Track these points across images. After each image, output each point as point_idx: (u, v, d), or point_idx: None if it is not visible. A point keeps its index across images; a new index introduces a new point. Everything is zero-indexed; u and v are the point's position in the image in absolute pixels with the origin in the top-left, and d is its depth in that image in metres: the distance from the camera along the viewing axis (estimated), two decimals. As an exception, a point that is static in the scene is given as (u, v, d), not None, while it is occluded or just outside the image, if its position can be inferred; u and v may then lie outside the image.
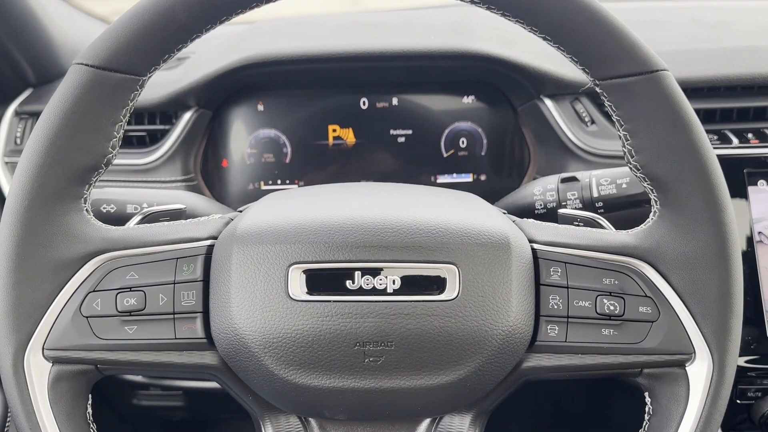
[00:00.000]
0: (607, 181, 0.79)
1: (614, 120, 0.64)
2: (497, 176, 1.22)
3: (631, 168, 0.65)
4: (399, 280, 0.61)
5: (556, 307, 0.64)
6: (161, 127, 1.14)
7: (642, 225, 0.66)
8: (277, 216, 0.65)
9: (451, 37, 1.12)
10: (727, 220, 0.62)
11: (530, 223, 0.69)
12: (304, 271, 0.61)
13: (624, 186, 0.78)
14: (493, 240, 0.63)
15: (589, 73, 0.63)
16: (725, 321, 0.62)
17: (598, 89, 0.64)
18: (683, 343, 0.63)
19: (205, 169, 1.19)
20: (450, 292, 0.61)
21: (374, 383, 0.60)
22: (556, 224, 0.69)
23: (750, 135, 1.04)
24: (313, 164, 1.21)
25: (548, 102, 1.07)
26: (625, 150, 0.64)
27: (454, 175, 1.22)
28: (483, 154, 1.21)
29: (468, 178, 1.22)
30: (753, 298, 0.95)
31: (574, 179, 0.81)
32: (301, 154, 1.20)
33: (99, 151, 0.63)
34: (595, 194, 0.80)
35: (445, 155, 1.21)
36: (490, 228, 0.64)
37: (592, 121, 1.06)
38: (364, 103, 1.19)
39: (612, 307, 0.63)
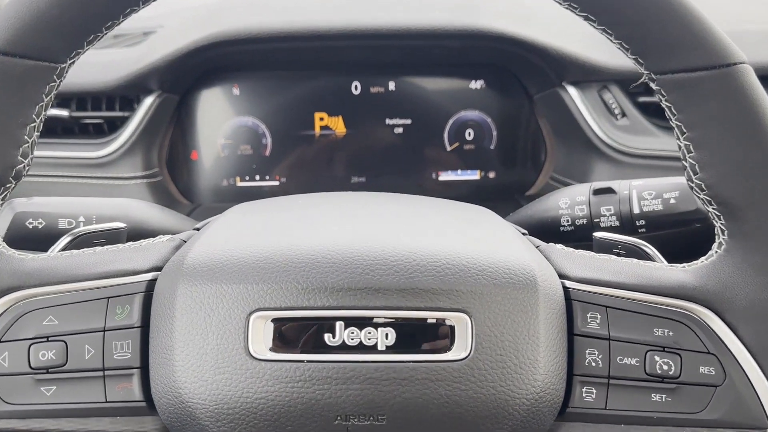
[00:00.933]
0: (652, 194, 0.66)
1: (674, 125, 0.51)
2: (508, 174, 1.09)
3: (693, 187, 0.52)
4: (393, 333, 0.48)
5: (594, 364, 0.51)
6: (120, 113, 1.00)
7: (703, 259, 0.53)
8: (238, 243, 0.52)
9: (458, 12, 0.98)
10: None
11: (559, 251, 0.57)
12: (271, 321, 0.48)
13: (673, 201, 0.65)
14: (516, 279, 0.50)
15: (644, 64, 0.50)
16: None
17: (654, 85, 0.50)
18: (755, 415, 0.51)
19: (172, 162, 1.06)
20: (460, 350, 0.48)
21: None
22: (591, 253, 0.56)
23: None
24: (297, 158, 1.07)
25: (571, 90, 0.93)
26: (687, 164, 0.51)
27: (459, 171, 1.09)
28: (492, 147, 1.08)
29: (474, 175, 1.09)
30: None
31: (610, 191, 0.68)
32: (283, 145, 1.07)
33: (5, 162, 0.49)
34: (636, 210, 0.67)
35: (448, 148, 1.08)
36: (513, 261, 0.51)
37: (623, 114, 0.93)
38: (356, 88, 1.06)
39: (665, 367, 0.51)
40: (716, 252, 0.52)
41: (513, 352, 0.49)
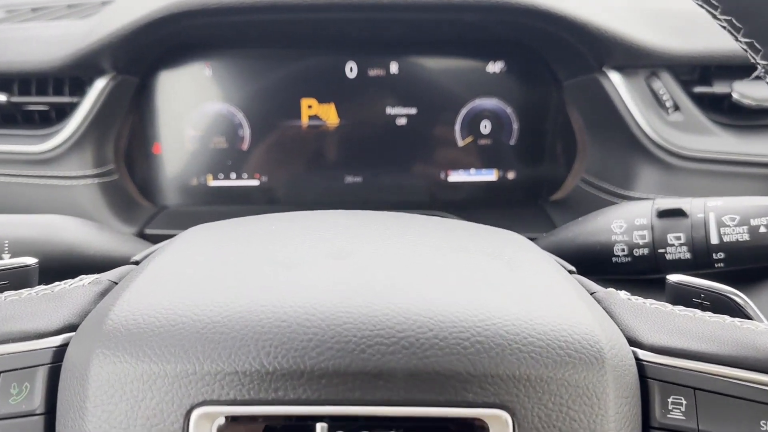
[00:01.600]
0: (735, 219, 0.51)
1: None
2: (531, 174, 0.94)
3: None
4: (400, 441, 0.33)
5: None
6: (69, 99, 0.84)
7: None
8: (180, 296, 0.37)
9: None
10: None
11: (625, 304, 0.43)
12: (222, 420, 0.34)
13: (763, 231, 0.50)
14: (574, 355, 0.36)
15: (762, 50, 0.35)
16: None
17: None
18: None
19: (130, 157, 0.90)
20: None
21: None
22: (669, 307, 0.42)
23: None
24: (280, 153, 0.92)
25: (614, 76, 0.77)
26: None
27: (472, 171, 0.94)
28: (512, 143, 0.93)
29: (491, 175, 0.94)
30: None
31: (680, 213, 0.53)
32: (264, 138, 0.91)
33: None
34: (715, 240, 0.52)
35: (460, 143, 0.92)
36: (568, 328, 0.37)
37: (676, 107, 0.77)
38: (351, 70, 0.90)
39: None
40: None
41: None
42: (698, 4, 0.38)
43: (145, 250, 0.49)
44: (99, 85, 0.82)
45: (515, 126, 0.92)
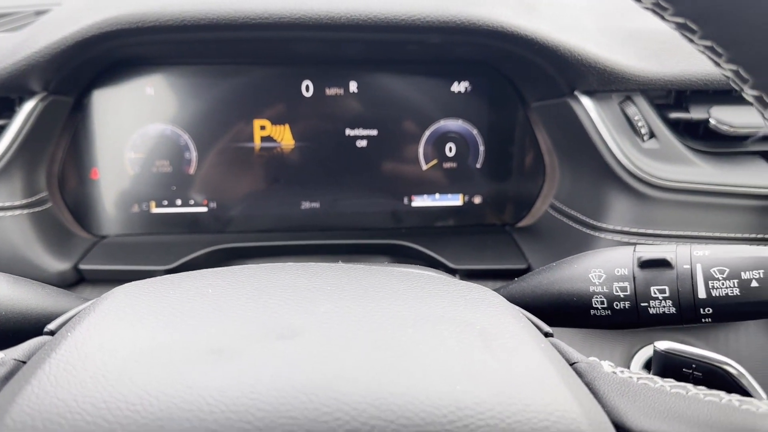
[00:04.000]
0: (724, 273, 0.48)
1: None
2: (497, 199, 0.90)
3: None
4: None
5: None
6: (-4, 120, 0.77)
7: None
8: (92, 393, 0.32)
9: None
10: None
11: (609, 380, 0.39)
12: None
13: (755, 285, 0.47)
14: None
15: (750, 80, 0.32)
16: None
17: (760, 106, 0.32)
18: None
19: (65, 183, 0.84)
20: None
21: None
22: (658, 382, 0.38)
23: None
24: (230, 177, 0.86)
25: (586, 101, 0.74)
26: None
27: (437, 196, 0.89)
28: (478, 166, 0.89)
29: (456, 200, 0.90)
30: None
31: (664, 263, 0.49)
32: (212, 161, 0.85)
33: None
34: (702, 294, 0.48)
35: (424, 167, 0.88)
36: (551, 418, 0.32)
37: (651, 134, 0.74)
38: (307, 89, 0.85)
39: None
40: None
41: None
42: (676, 30, 0.34)
43: (61, 317, 0.43)
44: (27, 107, 0.76)
45: (481, 148, 0.89)
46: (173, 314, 0.39)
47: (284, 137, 0.86)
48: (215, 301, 0.40)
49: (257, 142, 0.85)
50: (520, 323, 0.42)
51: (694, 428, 0.36)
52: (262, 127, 0.85)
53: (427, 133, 0.88)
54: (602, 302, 0.51)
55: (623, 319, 0.51)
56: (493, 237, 0.89)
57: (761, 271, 0.47)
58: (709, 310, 0.48)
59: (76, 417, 0.30)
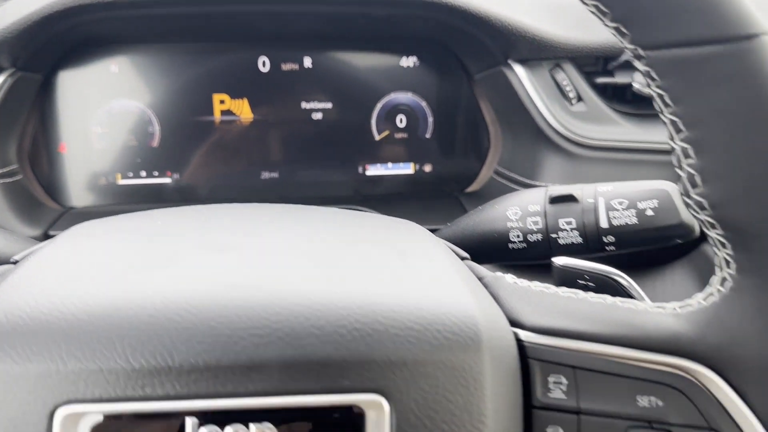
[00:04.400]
0: (624, 204, 0.54)
1: (666, 119, 0.38)
2: (446, 167, 0.96)
3: (690, 204, 0.39)
4: (274, 431, 0.34)
5: None
6: (-34, 96, 0.81)
7: (700, 298, 0.41)
8: (47, 294, 0.37)
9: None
10: None
11: (510, 287, 0.44)
12: (88, 419, 0.34)
13: (650, 213, 0.53)
14: (449, 338, 0.37)
15: (628, 35, 0.37)
16: None
17: (641, 64, 0.38)
18: None
19: (35, 157, 0.88)
20: None
21: None
22: (553, 289, 0.44)
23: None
24: (192, 149, 0.91)
25: (519, 69, 0.80)
26: (684, 174, 0.39)
27: (390, 165, 0.95)
28: (428, 136, 0.95)
29: (408, 168, 0.96)
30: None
31: (570, 199, 0.56)
32: (175, 135, 0.90)
33: None
34: (604, 224, 0.54)
35: (377, 137, 0.94)
36: (443, 312, 0.38)
37: (579, 98, 0.80)
38: (264, 64, 0.90)
39: None
40: (719, 290, 0.40)
41: None
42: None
43: (28, 249, 0.48)
44: (-3, 83, 0.80)
45: (430, 120, 0.95)
46: (126, 237, 0.44)
47: (243, 111, 0.91)
48: (166, 227, 0.46)
49: (217, 116, 0.91)
50: (438, 247, 0.47)
51: (580, 322, 0.41)
52: (222, 101, 0.91)
53: (379, 105, 0.93)
54: (518, 236, 0.57)
55: (537, 250, 0.57)
56: (442, 202, 0.95)
57: (656, 201, 0.54)
58: (611, 239, 0.55)
59: (33, 311, 0.35)
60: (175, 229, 0.45)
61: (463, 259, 0.50)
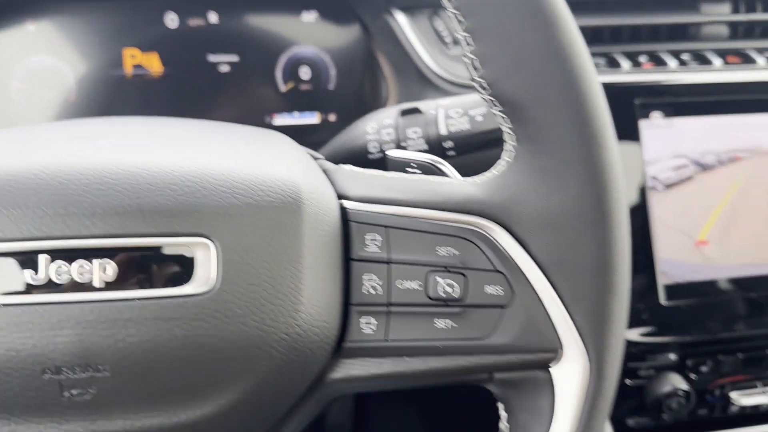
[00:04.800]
0: (459, 112, 0.62)
1: (450, 13, 0.46)
2: (350, 116, 1.03)
3: (476, 87, 0.47)
4: (114, 266, 0.41)
5: (373, 291, 0.47)
6: None
7: (493, 169, 0.49)
8: None
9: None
10: (607, 160, 0.46)
11: (347, 172, 0.52)
12: None
13: (479, 119, 0.62)
14: (273, 197, 0.45)
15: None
16: (604, 302, 0.47)
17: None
18: (546, 336, 0.48)
19: (-46, 111, 0.94)
20: (200, 282, 0.42)
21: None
22: (383, 173, 0.51)
23: (643, 58, 0.90)
24: (107, 102, 0.98)
25: (401, 17, 0.88)
26: (468, 60, 0.47)
27: (296, 114, 1.03)
28: (331, 87, 1.02)
29: (314, 118, 1.03)
30: (644, 258, 0.82)
31: (416, 111, 0.64)
32: (90, 89, 0.96)
33: None
34: (443, 131, 0.62)
35: (283, 89, 1.01)
36: (272, 178, 0.46)
37: (455, 42, 0.89)
38: (171, 21, 0.97)
39: (448, 289, 0.47)
40: (506, 160, 0.49)
41: (269, 281, 0.43)
42: None
43: None
44: None
45: (332, 72, 1.02)
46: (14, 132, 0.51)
47: (153, 65, 0.98)
48: (45, 127, 0.53)
49: (128, 70, 0.97)
50: (288, 142, 0.55)
51: (395, 192, 0.49)
52: (132, 56, 0.97)
53: (283, 58, 1.01)
54: (375, 147, 0.65)
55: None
56: (346, 148, 1.02)
57: (484, 108, 0.62)
58: (450, 144, 0.63)
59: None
60: (53, 128, 0.52)
61: (316, 159, 0.58)
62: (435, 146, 0.63)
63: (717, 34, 0.96)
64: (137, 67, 0.97)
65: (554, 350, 0.47)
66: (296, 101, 1.02)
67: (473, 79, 0.47)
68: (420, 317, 0.47)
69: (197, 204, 0.43)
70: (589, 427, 0.47)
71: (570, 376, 0.47)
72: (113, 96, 0.97)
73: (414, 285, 0.47)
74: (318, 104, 1.03)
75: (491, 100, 0.47)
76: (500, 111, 0.47)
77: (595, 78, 0.47)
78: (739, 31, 0.97)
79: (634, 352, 0.83)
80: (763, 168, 0.87)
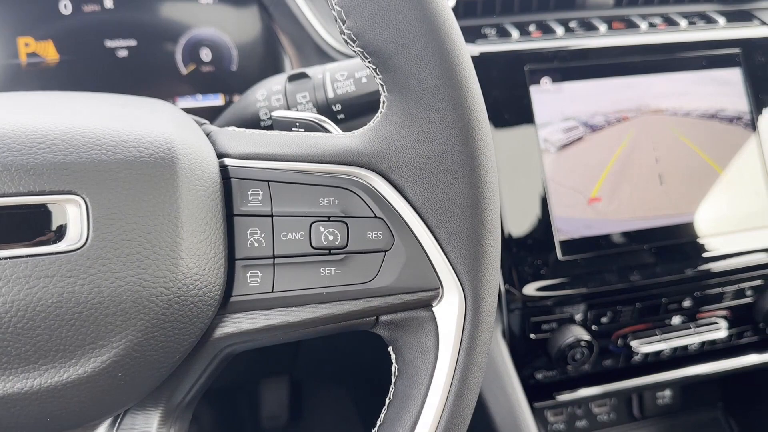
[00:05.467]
0: (344, 75, 0.64)
1: None
2: (256, 96, 1.04)
3: (347, 41, 0.49)
4: (-19, 225, 0.41)
5: (257, 244, 0.48)
6: None
7: (371, 122, 0.51)
8: None
9: None
10: (469, 101, 0.48)
11: (229, 133, 0.53)
12: None
13: (364, 80, 0.63)
14: (146, 153, 0.45)
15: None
16: (477, 240, 0.50)
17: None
18: (426, 276, 0.50)
19: None
20: (73, 239, 0.43)
21: None
22: (263, 132, 0.52)
23: (532, 27, 0.94)
24: (4, 92, 0.95)
25: (296, -7, 0.89)
26: (335, 13, 0.48)
27: (199, 96, 1.02)
28: (234, 68, 1.02)
29: (218, 100, 1.03)
30: (541, 216, 0.86)
31: (304, 76, 0.65)
32: (-16, 79, 0.94)
33: None
34: (331, 94, 0.64)
35: (184, 72, 1.01)
36: (146, 136, 0.46)
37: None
38: (65, 7, 0.95)
39: (331, 237, 0.49)
40: (381, 111, 0.50)
41: (144, 236, 0.44)
42: None
43: None
44: None
45: (234, 53, 1.02)
46: None
47: (48, 52, 0.96)
48: None
49: (23, 59, 0.95)
50: (173, 111, 0.55)
51: (277, 148, 0.50)
52: (27, 44, 0.95)
53: (183, 41, 1.00)
54: (266, 113, 0.66)
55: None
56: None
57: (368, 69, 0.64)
58: (338, 107, 0.65)
59: None
60: None
61: (202, 124, 0.58)
62: (324, 110, 0.64)
63: (603, 3, 1.01)
64: (32, 55, 0.95)
65: (435, 289, 0.50)
66: (199, 84, 1.02)
67: (341, 32, 0.49)
68: (305, 267, 0.49)
69: (65, 161, 0.43)
70: (469, 358, 0.49)
71: (449, 312, 0.49)
72: (10, 87, 0.95)
73: (297, 236, 0.49)
74: (221, 86, 1.03)
75: (361, 52, 0.49)
76: (370, 62, 0.49)
77: (455, 26, 0.49)
78: (623, -1, 1.02)
79: (535, 307, 0.86)
80: (648, 126, 0.92)
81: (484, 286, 0.50)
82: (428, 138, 0.48)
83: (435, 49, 0.47)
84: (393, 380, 0.53)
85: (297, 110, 0.65)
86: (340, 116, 0.65)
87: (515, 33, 0.92)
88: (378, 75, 0.49)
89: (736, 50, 0.98)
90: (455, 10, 0.94)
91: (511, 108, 0.87)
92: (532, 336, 0.87)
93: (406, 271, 0.49)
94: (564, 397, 0.94)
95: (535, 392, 0.93)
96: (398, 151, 0.49)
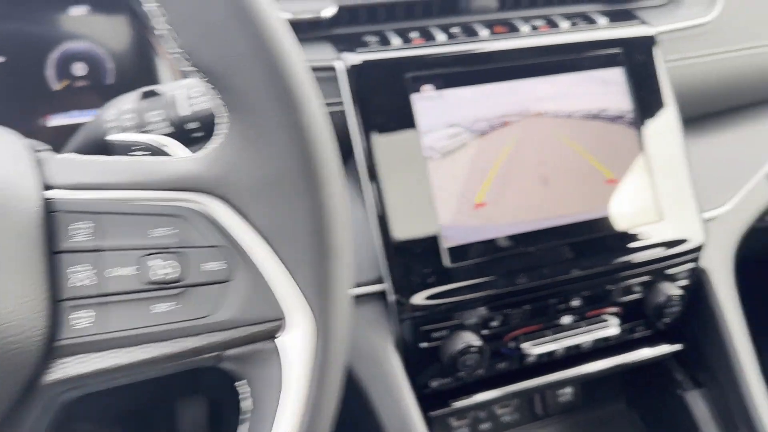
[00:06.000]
0: (200, 91, 0.61)
1: None
2: (138, 110, 1.00)
3: (180, 58, 0.46)
4: None
5: (82, 283, 0.45)
6: None
7: (212, 142, 0.48)
8: None
9: None
10: (305, 123, 0.47)
11: (60, 160, 0.49)
12: None
13: (221, 97, 0.61)
14: None
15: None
16: (324, 265, 0.48)
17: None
18: (270, 306, 0.48)
19: None
20: None
21: None
22: (99, 158, 0.49)
23: (414, 34, 0.93)
24: None
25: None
26: (165, 32, 0.46)
27: (74, 113, 0.98)
28: (110, 82, 0.98)
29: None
30: (427, 224, 0.85)
31: (154, 94, 0.62)
32: None
33: None
34: (186, 112, 0.61)
35: (56, 88, 0.96)
36: None
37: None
38: None
39: (166, 270, 0.46)
40: (223, 132, 0.48)
41: None
42: None
43: None
44: None
45: (109, 65, 0.98)
46: None
47: None
48: None
49: None
50: (6, 138, 0.51)
51: (109, 176, 0.47)
52: None
53: (53, 55, 0.95)
54: (117, 133, 0.63)
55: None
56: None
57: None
58: (196, 124, 0.62)
59: None
60: None
61: (39, 150, 0.54)
62: (179, 129, 0.62)
63: (487, 7, 1.01)
64: None
65: (278, 319, 0.48)
66: (73, 100, 0.97)
67: (174, 51, 0.46)
68: (137, 304, 0.46)
69: None
70: (321, 387, 0.48)
71: (296, 342, 0.48)
72: None
73: (128, 271, 0.46)
74: (98, 101, 0.98)
75: (195, 71, 0.46)
76: (207, 81, 0.47)
77: (289, 43, 0.47)
78: (507, 2, 1.02)
79: (425, 315, 0.86)
80: (531, 129, 0.93)
81: (334, 312, 0.48)
82: (268, 162, 0.46)
83: (266, 68, 0.45)
84: (247, 416, 0.50)
85: (151, 129, 0.62)
86: (199, 134, 0.62)
87: (396, 40, 0.91)
88: (218, 95, 0.47)
89: (618, 50, 0.99)
90: (338, 17, 0.93)
91: (393, 116, 0.86)
92: (422, 345, 0.87)
93: (248, 302, 0.47)
94: (460, 403, 0.94)
95: (432, 401, 0.93)
96: (240, 175, 0.47)
